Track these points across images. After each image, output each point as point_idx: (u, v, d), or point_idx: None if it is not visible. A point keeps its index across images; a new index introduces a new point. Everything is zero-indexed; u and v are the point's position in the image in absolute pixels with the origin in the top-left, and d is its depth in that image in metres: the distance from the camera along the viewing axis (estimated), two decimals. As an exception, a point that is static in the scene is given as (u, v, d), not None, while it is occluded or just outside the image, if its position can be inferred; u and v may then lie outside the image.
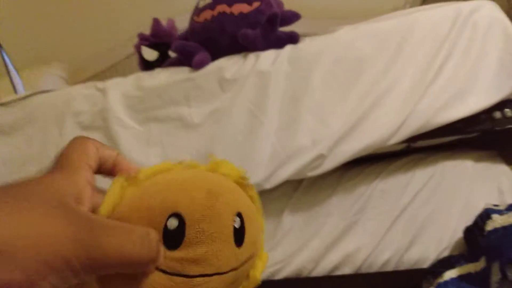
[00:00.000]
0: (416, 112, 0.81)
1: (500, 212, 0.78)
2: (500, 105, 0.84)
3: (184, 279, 0.26)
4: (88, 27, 2.00)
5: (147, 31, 1.19)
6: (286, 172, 0.84)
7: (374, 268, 0.86)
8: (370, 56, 0.88)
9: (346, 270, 0.87)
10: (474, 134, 0.89)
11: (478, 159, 0.90)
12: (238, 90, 0.92)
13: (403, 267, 0.85)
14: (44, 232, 0.21)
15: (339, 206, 0.89)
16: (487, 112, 0.84)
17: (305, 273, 0.88)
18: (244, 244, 0.28)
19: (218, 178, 0.31)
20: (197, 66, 0.98)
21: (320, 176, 0.88)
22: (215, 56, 1.01)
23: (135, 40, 1.21)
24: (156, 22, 1.12)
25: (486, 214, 0.79)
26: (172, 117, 0.92)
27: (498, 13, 0.88)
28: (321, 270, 0.87)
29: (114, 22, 1.98)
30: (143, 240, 0.24)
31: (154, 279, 0.26)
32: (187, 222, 0.26)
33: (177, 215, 0.26)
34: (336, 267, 0.87)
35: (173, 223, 0.26)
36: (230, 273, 0.28)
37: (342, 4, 1.79)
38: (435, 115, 0.81)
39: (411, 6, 1.56)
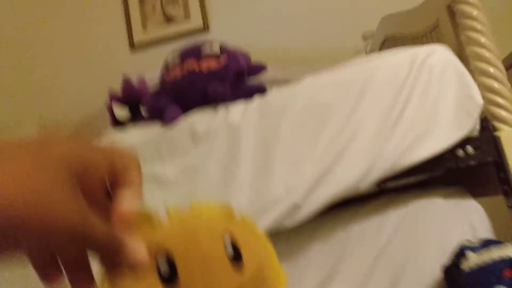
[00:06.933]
0: (382, 156, 0.84)
1: (474, 249, 0.79)
2: (462, 143, 0.88)
3: None
4: (59, 83, 2.03)
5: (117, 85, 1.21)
6: (263, 224, 0.84)
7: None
8: (334, 103, 0.91)
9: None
10: (441, 173, 0.92)
11: (447, 196, 0.92)
12: (210, 144, 0.93)
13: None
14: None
15: (318, 254, 0.89)
16: (450, 151, 0.87)
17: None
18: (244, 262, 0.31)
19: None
20: (169, 121, 1.00)
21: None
22: (186, 110, 1.03)
23: (106, 94, 1.22)
24: (126, 82, 1.14)
25: (461, 252, 0.79)
26: (146, 176, 0.92)
27: (450, 56, 0.93)
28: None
29: (85, 76, 2.01)
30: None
31: None
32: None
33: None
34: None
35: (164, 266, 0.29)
36: None
37: (307, 48, 1.86)
38: (400, 158, 0.84)
39: (371, 48, 1.63)
